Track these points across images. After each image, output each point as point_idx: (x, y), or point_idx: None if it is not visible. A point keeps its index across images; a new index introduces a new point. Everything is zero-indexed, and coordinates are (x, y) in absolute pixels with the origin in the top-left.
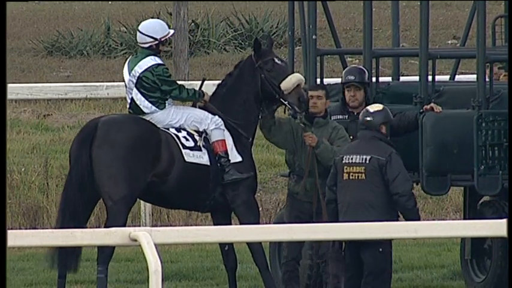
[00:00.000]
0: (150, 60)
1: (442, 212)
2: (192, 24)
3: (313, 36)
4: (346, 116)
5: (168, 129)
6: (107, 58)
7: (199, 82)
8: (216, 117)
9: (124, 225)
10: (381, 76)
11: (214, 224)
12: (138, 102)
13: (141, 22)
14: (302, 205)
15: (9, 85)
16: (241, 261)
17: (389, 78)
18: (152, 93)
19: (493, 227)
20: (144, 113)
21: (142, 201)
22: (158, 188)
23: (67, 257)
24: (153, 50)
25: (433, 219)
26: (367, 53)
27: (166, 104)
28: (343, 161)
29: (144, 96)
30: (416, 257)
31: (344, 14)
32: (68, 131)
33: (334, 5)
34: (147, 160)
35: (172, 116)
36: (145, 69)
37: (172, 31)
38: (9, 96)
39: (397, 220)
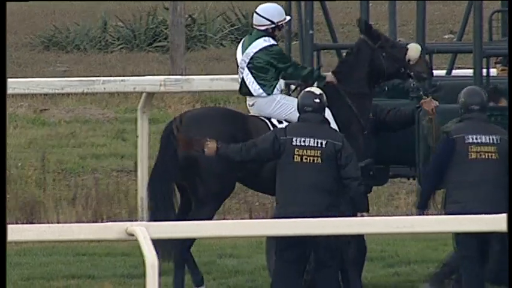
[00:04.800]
0: (264, 42)
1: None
2: (189, 19)
3: (310, 31)
4: None
5: (269, 119)
6: (104, 53)
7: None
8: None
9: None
10: None
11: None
12: (247, 83)
13: (137, 17)
14: None
15: None
16: (238, 256)
17: None
18: (263, 75)
19: (490, 222)
20: (251, 95)
21: (139, 196)
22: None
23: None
24: (269, 34)
25: (430, 214)
26: None
27: (275, 90)
28: (293, 143)
29: (254, 78)
30: (413, 252)
31: (341, 9)
32: (65, 126)
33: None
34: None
35: (276, 107)
36: (260, 50)
37: (288, 17)
38: None
39: (340, 205)
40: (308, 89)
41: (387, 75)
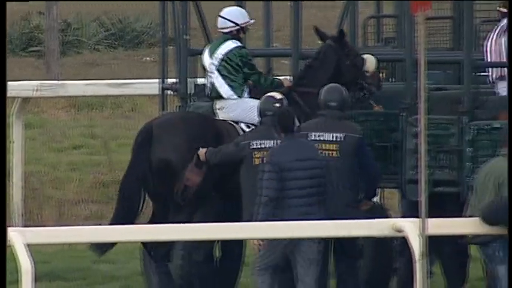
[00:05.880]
0: (232, 43)
1: None
2: (64, 23)
3: (185, 36)
4: None
5: (237, 123)
6: None
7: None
8: None
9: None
10: None
11: None
12: (217, 86)
13: (10, 21)
14: None
15: None
16: (114, 262)
17: None
18: (233, 76)
19: (369, 227)
20: (222, 98)
21: (14, 201)
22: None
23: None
24: (233, 36)
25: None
26: None
27: (245, 94)
28: (251, 147)
29: (224, 80)
30: None
31: (216, 14)
32: None
33: (206, 5)
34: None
35: (248, 110)
36: (229, 51)
37: (253, 20)
38: None
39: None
40: (269, 93)
41: (344, 83)
